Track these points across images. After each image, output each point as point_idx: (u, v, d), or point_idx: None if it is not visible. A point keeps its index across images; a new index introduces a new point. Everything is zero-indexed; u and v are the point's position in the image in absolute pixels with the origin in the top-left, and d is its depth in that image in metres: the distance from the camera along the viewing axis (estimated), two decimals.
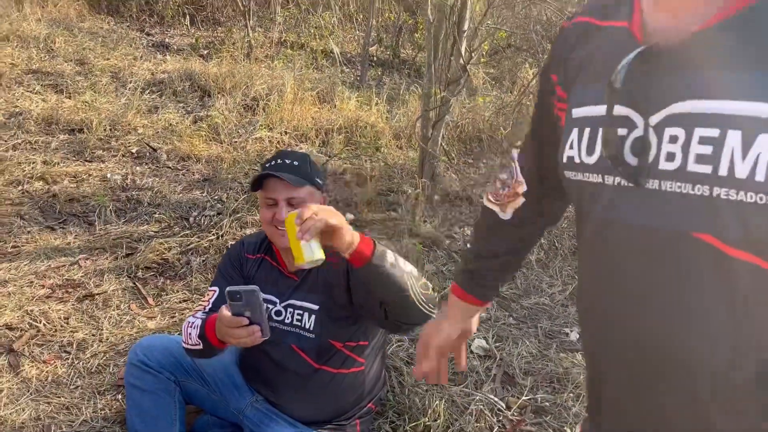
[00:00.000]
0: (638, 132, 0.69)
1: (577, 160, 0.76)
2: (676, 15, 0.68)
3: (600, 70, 0.75)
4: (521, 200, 1.01)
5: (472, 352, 2.59)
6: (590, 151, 0.75)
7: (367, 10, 6.93)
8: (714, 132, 0.62)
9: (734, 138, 0.61)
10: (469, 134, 4.91)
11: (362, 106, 5.24)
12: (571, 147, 0.77)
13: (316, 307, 1.77)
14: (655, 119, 0.68)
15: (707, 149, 0.63)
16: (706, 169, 0.63)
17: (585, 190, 0.77)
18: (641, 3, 0.74)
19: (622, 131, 0.70)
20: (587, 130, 0.75)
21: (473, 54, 5.10)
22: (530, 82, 4.25)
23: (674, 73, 0.67)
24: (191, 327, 1.72)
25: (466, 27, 3.61)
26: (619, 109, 0.71)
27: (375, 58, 7.21)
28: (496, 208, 1.05)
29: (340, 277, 1.72)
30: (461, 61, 3.65)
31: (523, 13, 6.48)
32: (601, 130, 0.73)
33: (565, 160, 0.79)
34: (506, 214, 1.03)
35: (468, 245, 1.16)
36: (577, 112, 0.78)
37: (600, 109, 0.73)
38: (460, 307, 1.17)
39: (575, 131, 0.77)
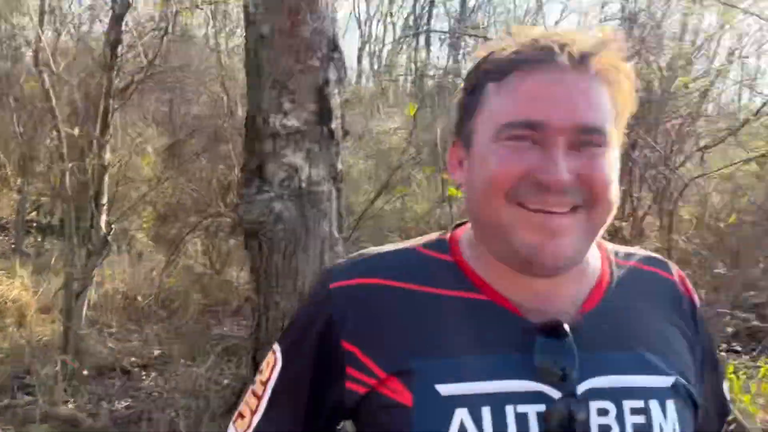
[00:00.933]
0: (560, 406, 0.67)
1: None
2: (548, 300, 0.72)
3: (472, 341, 0.70)
4: None
5: None
6: None
7: (26, 174, 6.55)
8: (640, 403, 0.69)
9: (655, 406, 0.69)
10: (129, 300, 4.83)
11: (5, 279, 4.79)
12: (463, 430, 0.67)
13: None
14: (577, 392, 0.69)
15: (640, 418, 0.68)
16: None
17: None
18: (484, 278, 0.73)
19: (538, 407, 0.67)
20: (486, 408, 0.67)
21: (137, 219, 5.17)
22: (182, 239, 4.47)
23: (581, 350, 0.69)
24: None
25: (104, 201, 3.71)
26: (533, 385, 0.68)
27: (35, 224, 6.75)
28: None
29: None
30: (102, 232, 3.70)
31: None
32: (513, 407, 0.67)
33: None
34: None
35: None
36: (452, 389, 0.69)
37: (498, 385, 0.68)
38: None
39: (462, 411, 0.67)
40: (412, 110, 3.81)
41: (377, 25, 10.50)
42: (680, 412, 0.71)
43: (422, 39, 10.08)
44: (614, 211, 0.70)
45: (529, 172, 0.66)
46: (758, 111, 5.47)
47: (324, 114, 2.97)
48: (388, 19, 10.48)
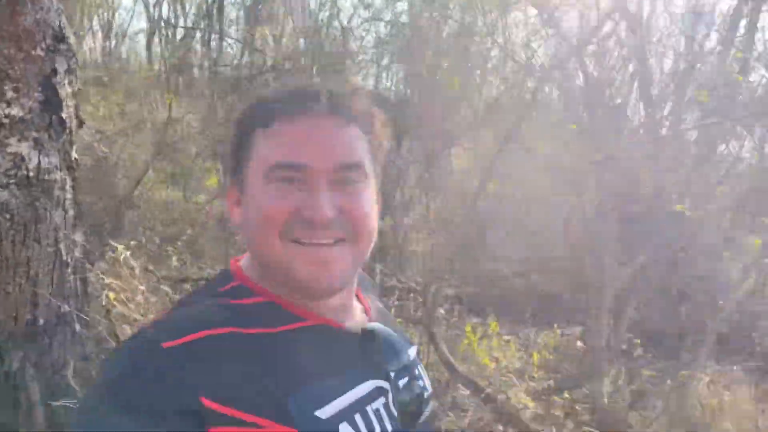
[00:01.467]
0: (390, 395, 0.83)
1: None
2: (347, 312, 0.86)
3: (326, 362, 0.79)
4: None
5: None
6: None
7: None
8: (416, 371, 0.90)
9: (421, 370, 0.91)
10: None
11: None
12: None
13: None
14: (395, 377, 0.85)
15: (421, 382, 0.89)
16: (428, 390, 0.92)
17: None
18: (301, 309, 0.81)
19: (382, 400, 0.81)
20: (357, 416, 0.77)
21: None
22: None
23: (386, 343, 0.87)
24: None
25: None
26: (374, 383, 0.81)
27: None
28: None
29: None
30: None
31: None
32: (370, 407, 0.79)
33: None
34: None
35: None
36: (329, 410, 0.75)
37: (356, 392, 0.78)
38: None
39: (344, 426, 0.75)
40: (169, 101, 3.92)
41: (168, 10, 10.11)
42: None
43: (216, 26, 9.95)
44: (375, 239, 0.82)
45: (297, 210, 0.75)
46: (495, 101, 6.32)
47: (52, 103, 2.99)
48: (179, 6, 10.18)
